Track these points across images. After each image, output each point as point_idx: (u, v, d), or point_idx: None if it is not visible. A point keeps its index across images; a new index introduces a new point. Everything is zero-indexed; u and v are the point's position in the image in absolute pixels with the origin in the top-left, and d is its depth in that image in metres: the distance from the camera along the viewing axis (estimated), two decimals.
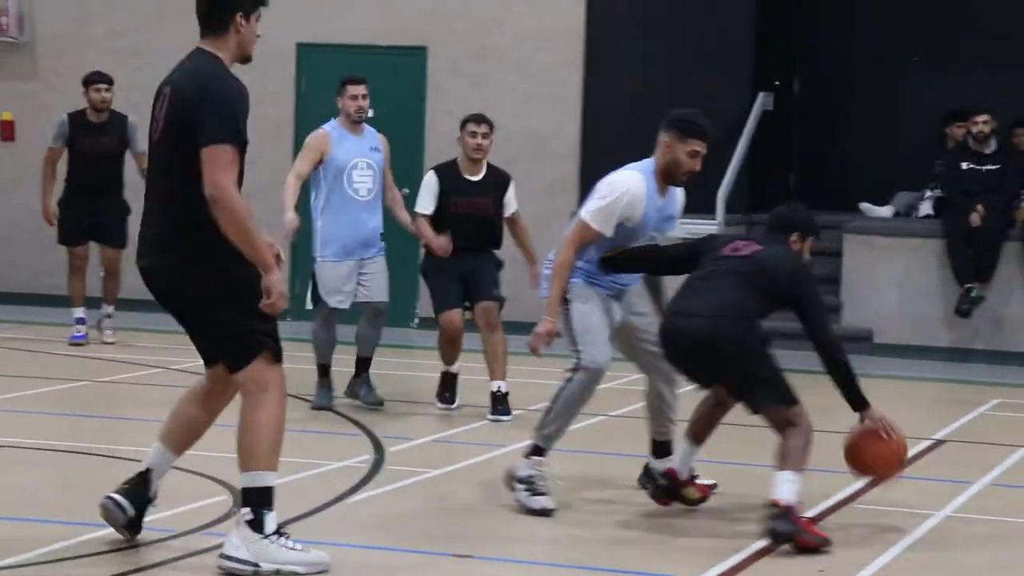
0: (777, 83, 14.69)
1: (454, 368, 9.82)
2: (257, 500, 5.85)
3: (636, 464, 7.62)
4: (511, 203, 9.93)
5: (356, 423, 9.20)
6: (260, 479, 5.86)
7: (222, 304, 5.88)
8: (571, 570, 6.27)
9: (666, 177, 7.36)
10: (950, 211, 13.27)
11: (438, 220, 9.75)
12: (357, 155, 9.76)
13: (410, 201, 10.10)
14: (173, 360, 11.32)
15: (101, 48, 14.43)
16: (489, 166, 9.92)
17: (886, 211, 14.03)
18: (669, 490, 7.17)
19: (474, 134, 9.76)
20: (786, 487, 6.54)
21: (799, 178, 15.22)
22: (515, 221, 9.98)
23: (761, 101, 14.17)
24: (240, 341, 5.90)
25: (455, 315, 9.62)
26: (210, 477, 7.39)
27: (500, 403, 9.59)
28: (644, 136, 13.99)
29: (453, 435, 9.06)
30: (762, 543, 6.59)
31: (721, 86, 14.07)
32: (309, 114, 14.17)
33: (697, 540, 6.73)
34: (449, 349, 9.73)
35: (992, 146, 13.26)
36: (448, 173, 9.82)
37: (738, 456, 8.24)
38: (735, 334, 6.75)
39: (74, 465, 7.93)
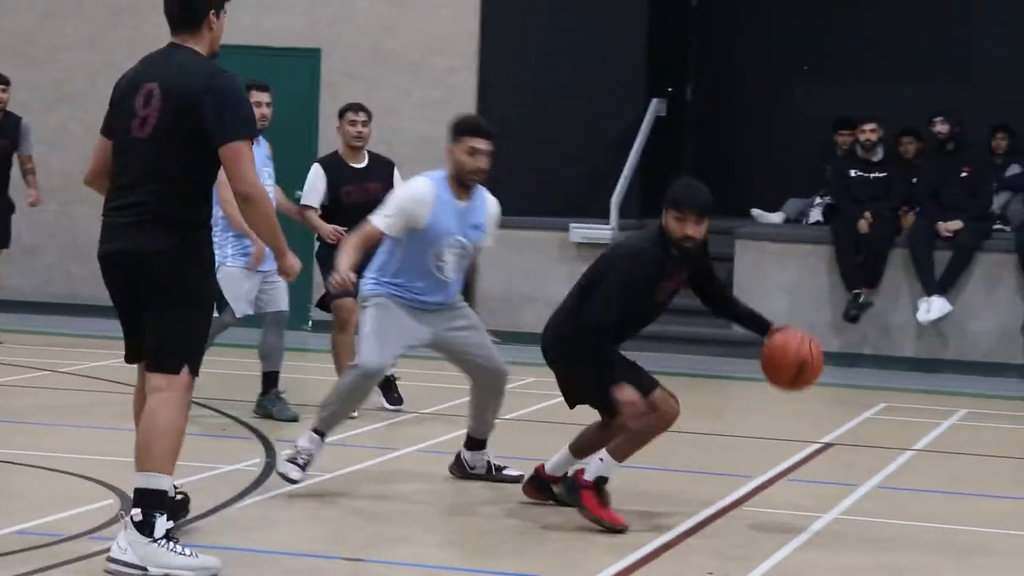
0: (671, 89, 14.81)
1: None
2: (149, 502, 5.80)
3: (530, 466, 7.65)
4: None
5: (247, 426, 9.14)
6: (155, 481, 5.81)
7: (189, 303, 5.91)
8: (461, 572, 6.27)
9: (458, 181, 7.63)
10: (839, 218, 13.47)
11: (331, 213, 9.84)
12: (259, 165, 9.66)
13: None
14: (62, 363, 11.17)
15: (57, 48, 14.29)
16: (370, 153, 10.14)
17: (777, 217, 14.21)
18: (542, 486, 7.34)
19: (354, 122, 10.01)
20: (594, 463, 6.97)
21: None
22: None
23: (654, 107, 14.28)
24: (188, 344, 5.92)
25: (350, 302, 9.62)
26: (98, 481, 7.30)
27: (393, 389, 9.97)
28: (539, 140, 14.19)
29: (345, 438, 9.02)
30: (656, 543, 6.65)
31: (615, 92, 14.17)
32: None
33: (593, 540, 6.77)
34: (348, 339, 9.72)
35: (879, 154, 13.48)
36: (333, 164, 9.97)
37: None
38: (567, 347, 7.07)
39: None
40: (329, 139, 14.12)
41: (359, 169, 10.01)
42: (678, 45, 15.30)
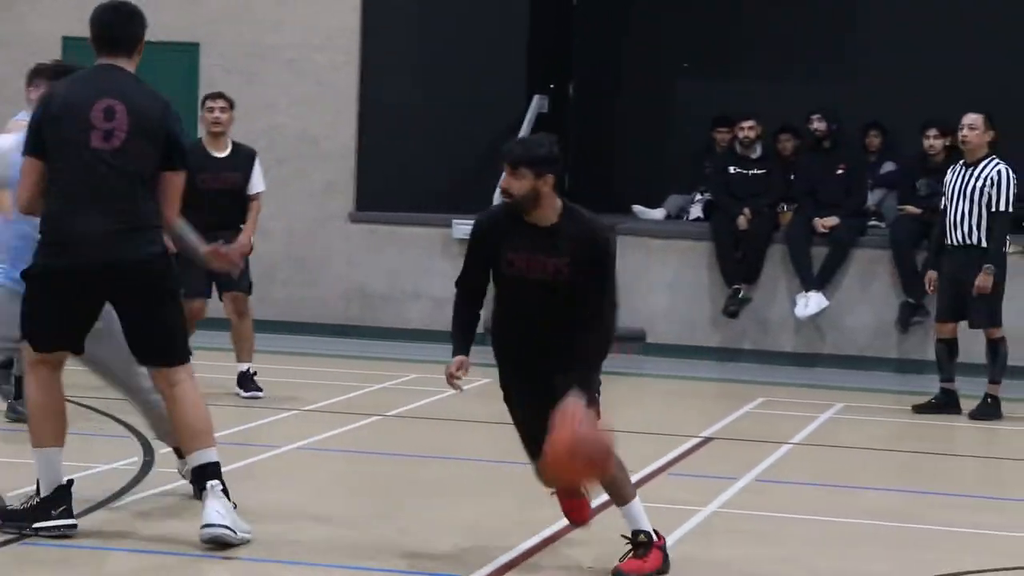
0: (552, 86, 14.86)
1: None
2: (215, 472, 6.34)
3: (421, 464, 7.63)
4: (258, 182, 10.19)
5: (125, 425, 9.02)
6: (211, 454, 6.37)
7: (175, 298, 6.42)
8: (342, 570, 6.25)
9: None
10: (718, 214, 13.60)
11: (189, 199, 9.73)
12: None
13: None
14: None
15: None
16: (234, 143, 10.23)
17: (658, 213, 14.32)
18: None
19: (211, 109, 10.20)
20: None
21: (574, 180, 15.43)
22: (254, 200, 10.19)
23: (536, 103, 14.32)
24: (182, 340, 6.44)
25: (200, 304, 9.92)
26: None
27: (249, 381, 10.07)
28: (421, 136, 14.16)
29: (226, 435, 8.93)
30: (535, 539, 6.67)
31: (497, 88, 14.19)
32: None
33: (469, 540, 6.77)
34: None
35: (758, 151, 13.63)
36: (193, 152, 9.74)
37: None
38: None
39: None
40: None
41: (220, 158, 10.10)
42: (560, 42, 15.36)
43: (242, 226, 10.03)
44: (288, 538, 6.61)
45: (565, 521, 6.89)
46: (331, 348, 13.00)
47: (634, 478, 8.06)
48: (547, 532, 6.84)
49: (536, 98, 14.34)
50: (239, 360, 10.19)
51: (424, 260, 13.85)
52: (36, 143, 6.25)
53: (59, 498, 6.35)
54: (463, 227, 13.69)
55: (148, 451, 8.26)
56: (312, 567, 6.16)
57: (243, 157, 10.18)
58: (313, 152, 14.15)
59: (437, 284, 13.71)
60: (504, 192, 6.09)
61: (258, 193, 10.19)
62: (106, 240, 6.17)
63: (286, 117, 14.03)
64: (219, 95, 10.33)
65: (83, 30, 14.37)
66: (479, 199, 13.81)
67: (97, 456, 8.05)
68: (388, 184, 14.20)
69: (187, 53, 14.12)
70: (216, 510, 6.26)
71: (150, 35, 15.31)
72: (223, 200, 9.92)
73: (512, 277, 6.14)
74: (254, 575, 6.20)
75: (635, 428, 10.00)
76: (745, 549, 6.82)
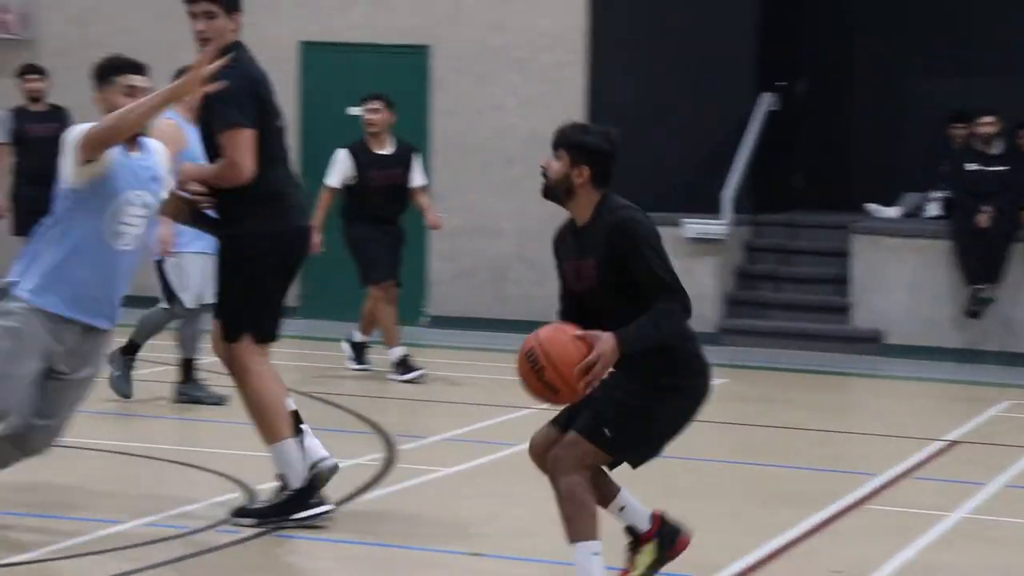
0: (782, 83, 14.65)
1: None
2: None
3: (655, 465, 7.55)
4: (418, 176, 10.85)
5: (368, 421, 9.15)
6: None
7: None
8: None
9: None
10: (957, 212, 13.23)
11: (358, 195, 10.65)
12: None
13: None
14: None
15: (104, 46, 14.34)
16: (397, 140, 10.86)
17: (893, 211, 13.99)
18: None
19: (368, 111, 10.80)
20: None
21: (805, 178, 15.19)
22: (420, 193, 10.85)
23: (766, 101, 14.13)
24: None
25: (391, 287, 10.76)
26: (223, 474, 7.35)
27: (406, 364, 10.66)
28: (649, 135, 14.07)
29: (465, 433, 9.01)
30: (779, 541, 6.55)
31: (726, 86, 14.03)
32: (312, 113, 14.13)
33: (715, 537, 6.68)
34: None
35: (999, 147, 13.22)
36: (359, 150, 10.77)
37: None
38: None
39: (91, 462, 7.85)
40: (438, 135, 14.16)
41: (384, 156, 10.72)
42: (790, 38, 15.12)
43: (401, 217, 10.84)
44: (525, 534, 6.61)
45: (806, 523, 6.76)
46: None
47: (877, 481, 7.90)
48: (787, 535, 6.71)
49: (766, 95, 14.15)
50: (390, 345, 10.72)
51: None
52: (257, 118, 6.53)
53: (312, 487, 6.46)
54: (693, 227, 13.58)
55: (390, 447, 8.35)
56: (551, 565, 6.14)
57: (404, 153, 10.77)
58: (543, 152, 14.11)
59: None
60: (542, 171, 5.68)
61: (421, 186, 10.84)
62: (302, 208, 6.77)
63: (515, 117, 14.08)
64: (375, 96, 10.88)
65: (319, 34, 14.71)
66: (708, 198, 13.71)
67: (341, 452, 8.16)
68: (617, 183, 14.14)
69: (418, 56, 14.30)
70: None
71: (382, 38, 15.59)
72: (387, 194, 10.65)
73: (568, 293, 5.64)
74: (498, 573, 6.21)
75: (876, 431, 9.79)
76: (998, 558, 6.60)
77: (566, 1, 14.08)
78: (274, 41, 14.15)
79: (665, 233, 14.63)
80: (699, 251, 13.58)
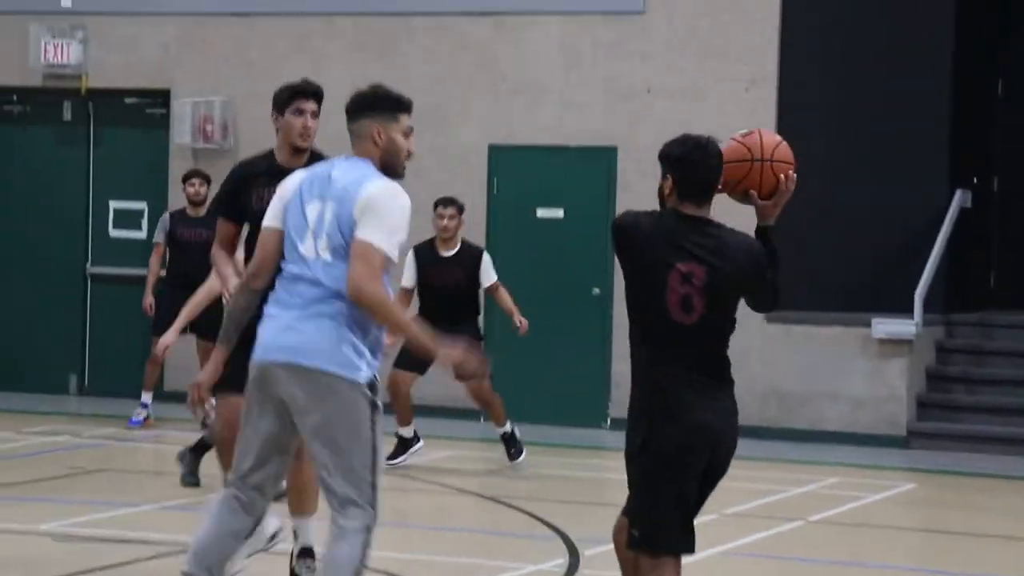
0: (976, 180, 14.43)
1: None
2: None
3: (844, 572, 7.43)
4: (489, 274, 11.11)
5: (549, 525, 9.16)
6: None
7: None
8: None
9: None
10: None
11: (420, 295, 11.09)
12: None
13: None
14: None
15: None
16: (463, 242, 11.22)
17: None
18: None
19: (441, 216, 11.08)
20: None
21: (999, 276, 14.89)
22: (495, 289, 11.18)
23: (959, 199, 13.92)
24: None
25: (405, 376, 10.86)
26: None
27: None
28: (839, 234, 13.94)
29: None
30: None
31: (918, 183, 13.86)
32: (500, 213, 14.31)
33: None
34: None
35: None
36: (425, 250, 11.13)
37: None
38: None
39: None
40: None
41: (446, 257, 11.11)
42: (983, 136, 14.91)
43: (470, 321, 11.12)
44: None
45: None
46: (747, 450, 12.81)
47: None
48: None
49: (959, 192, 13.95)
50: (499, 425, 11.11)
51: (842, 360, 13.58)
52: None
53: None
54: (883, 326, 13.39)
55: (573, 552, 8.35)
56: None
57: (469, 255, 11.18)
58: None
59: (856, 385, 13.42)
60: (659, 192, 5.57)
61: (493, 283, 11.13)
62: None
63: None
64: (450, 202, 11.15)
65: (507, 137, 14.93)
66: (899, 297, 13.51)
67: (522, 557, 8.18)
68: (804, 283, 14.04)
69: (604, 156, 14.41)
70: None
71: (569, 139, 15.72)
72: (448, 295, 11.00)
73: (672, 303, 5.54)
74: None
75: None
76: None
77: (754, 101, 14.08)
78: (464, 144, 14.43)
79: (855, 333, 14.64)
80: (889, 352, 13.38)
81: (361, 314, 5.34)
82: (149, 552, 7.96)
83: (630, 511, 5.48)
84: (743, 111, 14.12)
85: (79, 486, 9.88)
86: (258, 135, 15.00)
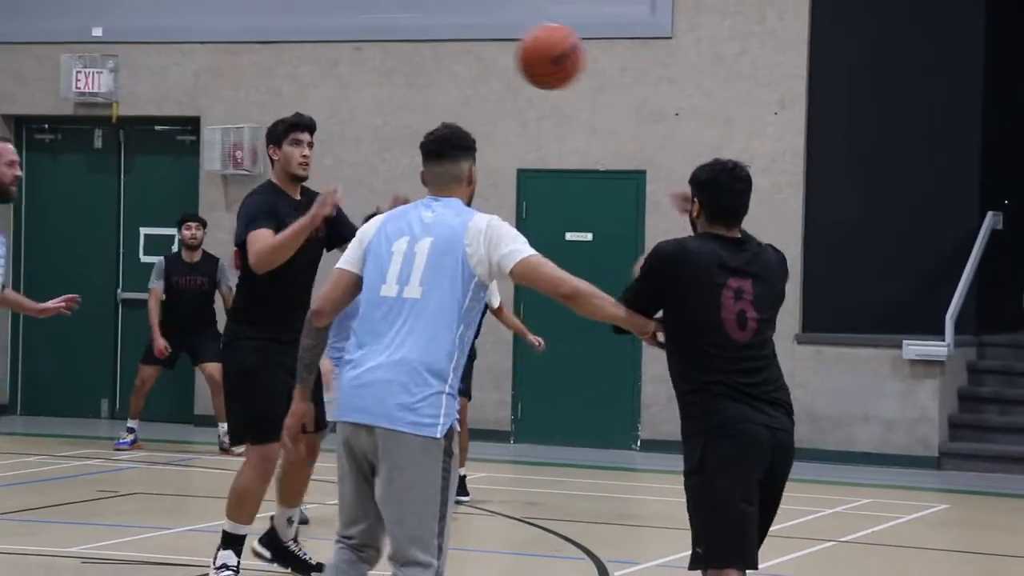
0: (1006, 202, 14.38)
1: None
2: (223, 539, 7.20)
3: None
4: (494, 296, 10.20)
5: (578, 546, 9.14)
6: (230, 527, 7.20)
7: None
8: None
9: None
10: None
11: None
12: None
13: None
14: None
15: (330, 177, 14.83)
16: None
17: None
18: None
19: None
20: None
21: None
22: (501, 311, 10.46)
23: (990, 220, 13.87)
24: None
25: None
26: None
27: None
28: (869, 256, 13.91)
29: (678, 560, 8.91)
30: None
31: (948, 205, 13.83)
32: (530, 237, 14.30)
33: None
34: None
35: None
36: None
37: None
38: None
39: None
40: None
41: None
42: (1013, 158, 14.86)
43: None
44: None
45: None
46: None
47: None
48: None
49: (990, 215, 13.90)
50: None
51: (873, 382, 13.53)
52: None
53: None
54: (915, 348, 13.33)
55: (603, 573, 8.33)
56: None
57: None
58: None
59: (887, 406, 13.37)
60: (689, 214, 5.71)
61: (498, 306, 10.38)
62: None
63: None
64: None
65: (536, 162, 14.95)
66: (930, 319, 13.46)
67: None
68: (835, 305, 14.00)
69: (633, 180, 14.42)
70: None
71: (597, 163, 15.68)
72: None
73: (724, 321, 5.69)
74: None
75: None
76: None
77: (783, 123, 14.08)
78: (492, 169, 14.45)
79: (886, 354, 14.56)
80: (921, 373, 13.32)
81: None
82: (179, 574, 7.98)
83: (693, 531, 5.49)
84: (772, 135, 14.12)
85: (109, 509, 9.90)
86: None
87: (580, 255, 14.12)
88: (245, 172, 14.86)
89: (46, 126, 15.82)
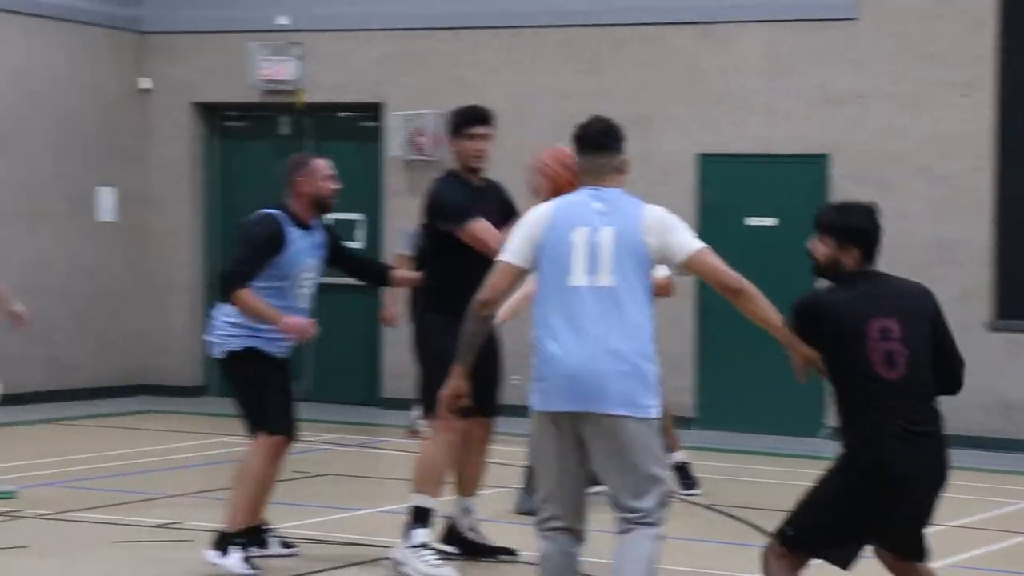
0: None
1: None
2: (414, 515, 7.41)
3: None
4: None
5: (765, 533, 9.05)
6: (420, 500, 7.41)
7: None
8: None
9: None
10: None
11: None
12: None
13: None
14: None
15: (508, 162, 14.91)
16: None
17: None
18: None
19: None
20: None
21: None
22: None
23: None
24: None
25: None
26: None
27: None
28: None
29: None
30: None
31: None
32: (710, 222, 14.23)
33: None
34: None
35: None
36: None
37: None
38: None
39: None
40: None
41: None
42: None
43: None
44: None
45: None
46: (971, 461, 12.54)
47: None
48: None
49: None
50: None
51: None
52: None
53: None
54: None
55: None
56: None
57: None
58: (948, 258, 13.84)
59: None
60: (808, 253, 5.81)
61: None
62: None
63: (918, 224, 13.80)
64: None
65: (715, 146, 14.85)
66: None
67: (738, 566, 8.12)
68: (1018, 291, 13.66)
69: (816, 164, 14.23)
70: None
71: (778, 148, 15.55)
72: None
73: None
74: None
75: None
76: None
77: (971, 107, 13.76)
78: (671, 154, 14.38)
79: None
80: None
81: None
82: (373, 555, 8.11)
83: (797, 511, 5.84)
84: (960, 117, 13.82)
85: (303, 490, 10.10)
86: None
87: (762, 240, 13.99)
88: (427, 158, 15.01)
89: (234, 113, 16.17)
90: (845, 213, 5.75)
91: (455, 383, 6.00)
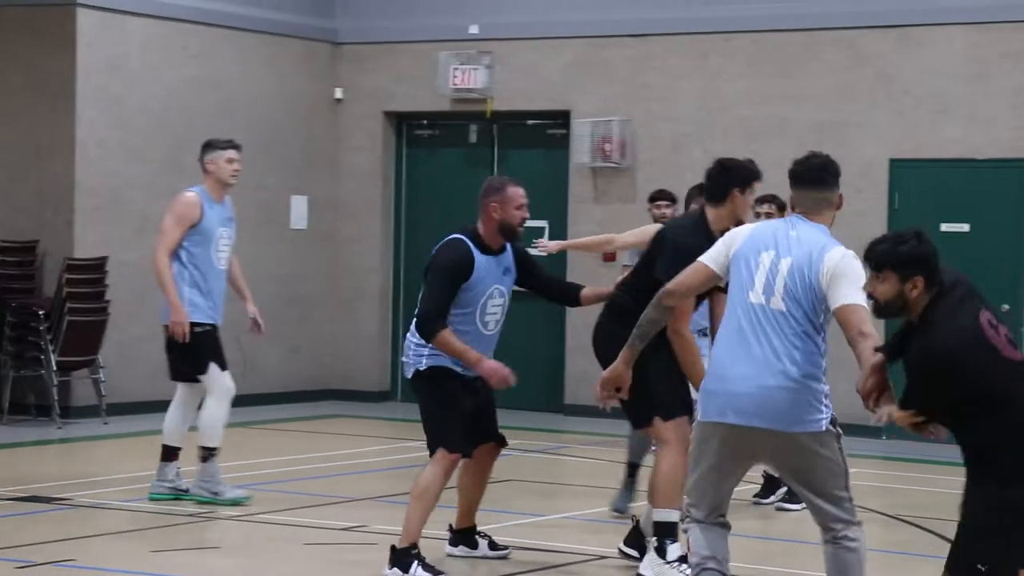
0: None
1: None
2: (661, 531, 7.38)
3: None
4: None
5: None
6: (665, 515, 7.36)
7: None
8: None
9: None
10: None
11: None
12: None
13: None
14: None
15: (696, 169, 14.81)
16: None
17: None
18: None
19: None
20: None
21: None
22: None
23: None
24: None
25: None
26: None
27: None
28: None
29: None
30: None
31: None
32: (902, 228, 13.93)
33: None
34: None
35: None
36: None
37: None
38: None
39: None
40: None
41: None
42: None
43: None
44: None
45: None
46: None
47: None
48: None
49: None
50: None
51: None
52: None
53: None
54: None
55: None
56: None
57: None
58: None
59: None
60: (869, 296, 5.47)
61: None
62: None
63: None
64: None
65: (910, 151, 14.52)
66: None
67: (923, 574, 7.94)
68: None
69: (1016, 169, 13.86)
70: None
71: (976, 152, 15.13)
72: None
73: None
74: None
75: None
76: None
77: None
78: (864, 159, 14.13)
79: None
80: None
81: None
82: (559, 560, 8.11)
83: (983, 551, 5.41)
84: None
85: (487, 495, 10.14)
86: (655, 154, 15.14)
87: (956, 246, 13.65)
88: (614, 164, 14.99)
89: (424, 122, 16.35)
90: (900, 243, 5.39)
91: (619, 368, 6.31)
